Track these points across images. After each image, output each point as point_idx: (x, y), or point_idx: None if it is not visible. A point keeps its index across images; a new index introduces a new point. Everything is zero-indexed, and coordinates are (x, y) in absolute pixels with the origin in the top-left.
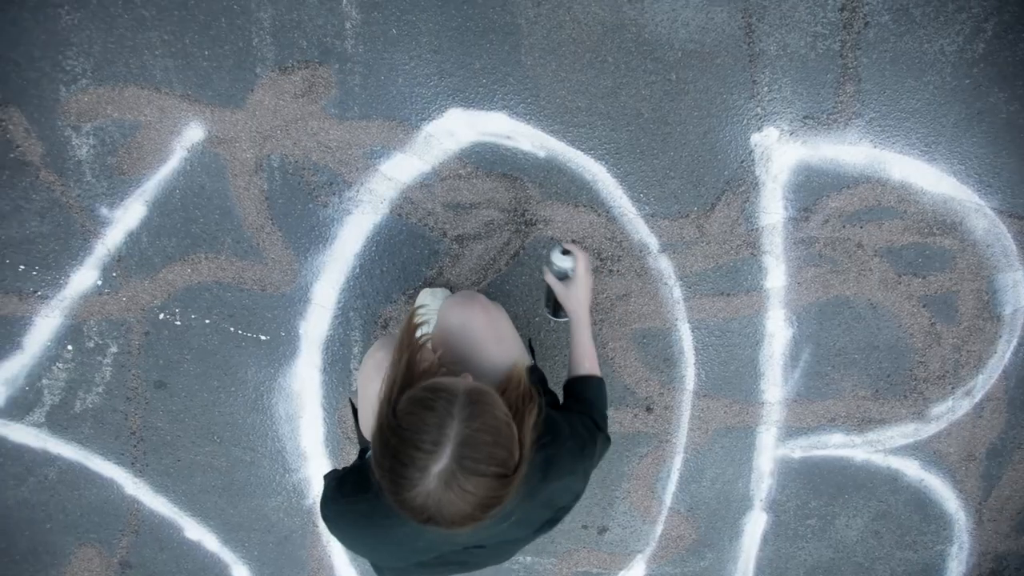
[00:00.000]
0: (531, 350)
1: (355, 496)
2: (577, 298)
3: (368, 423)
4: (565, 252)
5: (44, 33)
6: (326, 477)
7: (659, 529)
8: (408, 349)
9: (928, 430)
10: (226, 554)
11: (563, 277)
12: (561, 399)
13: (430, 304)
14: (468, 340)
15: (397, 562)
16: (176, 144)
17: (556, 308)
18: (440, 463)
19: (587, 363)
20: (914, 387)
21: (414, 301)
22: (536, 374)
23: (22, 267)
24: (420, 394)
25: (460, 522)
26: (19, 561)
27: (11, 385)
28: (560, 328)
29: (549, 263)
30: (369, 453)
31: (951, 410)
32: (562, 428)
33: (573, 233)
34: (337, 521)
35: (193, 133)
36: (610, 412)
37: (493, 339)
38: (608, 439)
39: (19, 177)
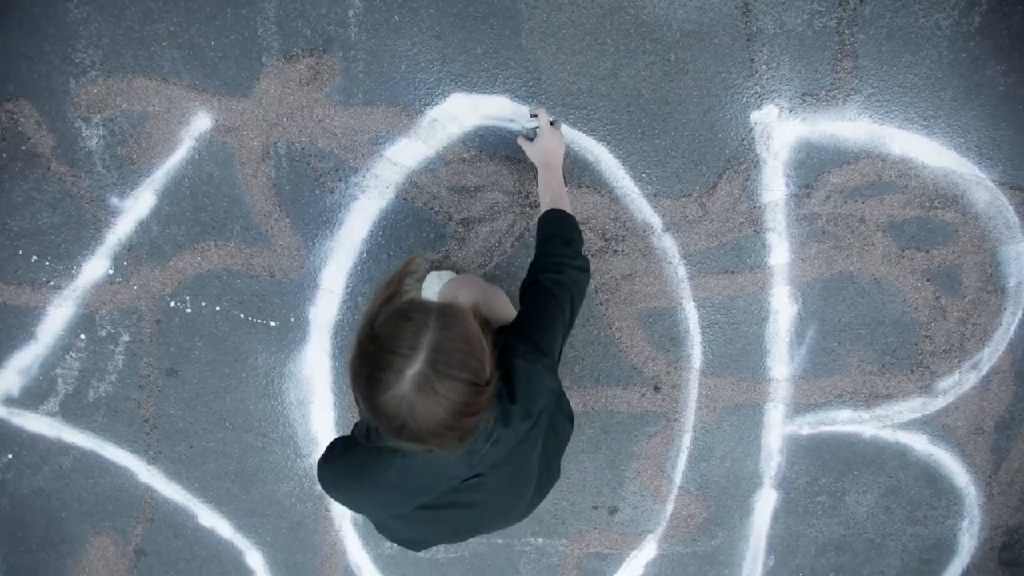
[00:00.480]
0: None
1: (345, 452)
2: (543, 149)
3: None
4: (533, 115)
5: (54, 27)
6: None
7: (669, 508)
8: (396, 286)
9: (936, 404)
10: (240, 540)
11: (532, 137)
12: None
13: (436, 288)
14: None
15: (397, 508)
16: (184, 133)
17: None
18: (414, 366)
19: (549, 200)
20: (920, 361)
21: (421, 284)
22: None
23: (35, 257)
24: (399, 307)
25: (434, 430)
26: (35, 550)
27: (25, 375)
28: None
29: (522, 134)
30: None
31: (958, 384)
32: (515, 346)
33: (577, 214)
34: (334, 481)
35: (201, 122)
36: (617, 391)
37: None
38: (581, 267)
39: (31, 169)
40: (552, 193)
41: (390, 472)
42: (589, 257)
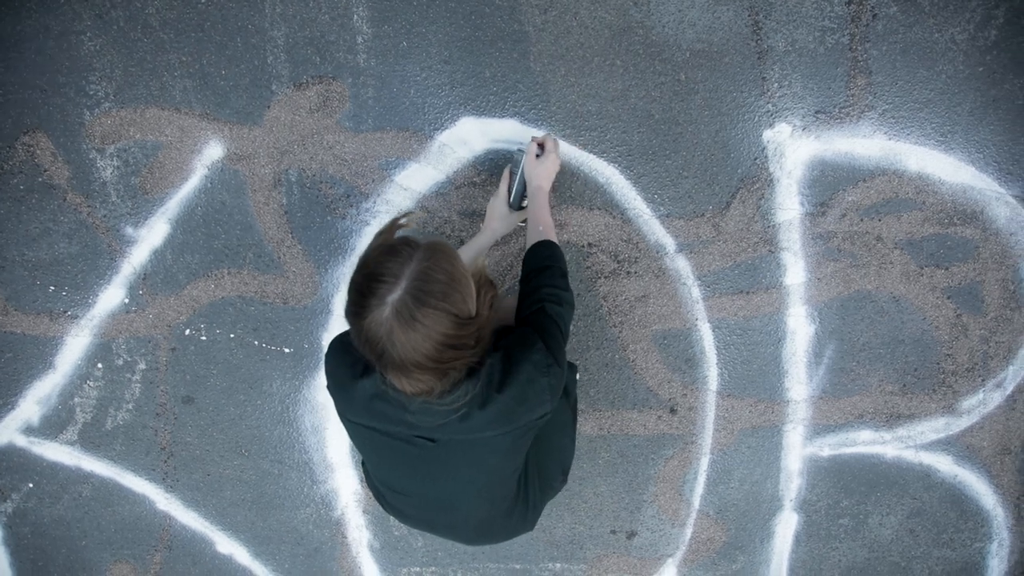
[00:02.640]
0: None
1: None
2: (546, 167)
3: None
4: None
5: (68, 59)
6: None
7: (688, 532)
8: (389, 233)
9: (960, 424)
10: (257, 567)
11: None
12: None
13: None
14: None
15: (356, 416)
16: (196, 162)
17: (519, 199)
18: (395, 292)
19: (542, 228)
20: (942, 380)
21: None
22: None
23: (52, 288)
24: (390, 242)
25: (411, 359)
26: None
27: (45, 404)
28: (580, 332)
29: (526, 148)
30: None
31: (982, 403)
32: (535, 344)
33: (589, 236)
34: (331, 354)
35: (213, 151)
36: (633, 414)
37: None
38: (572, 302)
39: (47, 200)
40: (543, 221)
41: (368, 381)
42: (601, 281)
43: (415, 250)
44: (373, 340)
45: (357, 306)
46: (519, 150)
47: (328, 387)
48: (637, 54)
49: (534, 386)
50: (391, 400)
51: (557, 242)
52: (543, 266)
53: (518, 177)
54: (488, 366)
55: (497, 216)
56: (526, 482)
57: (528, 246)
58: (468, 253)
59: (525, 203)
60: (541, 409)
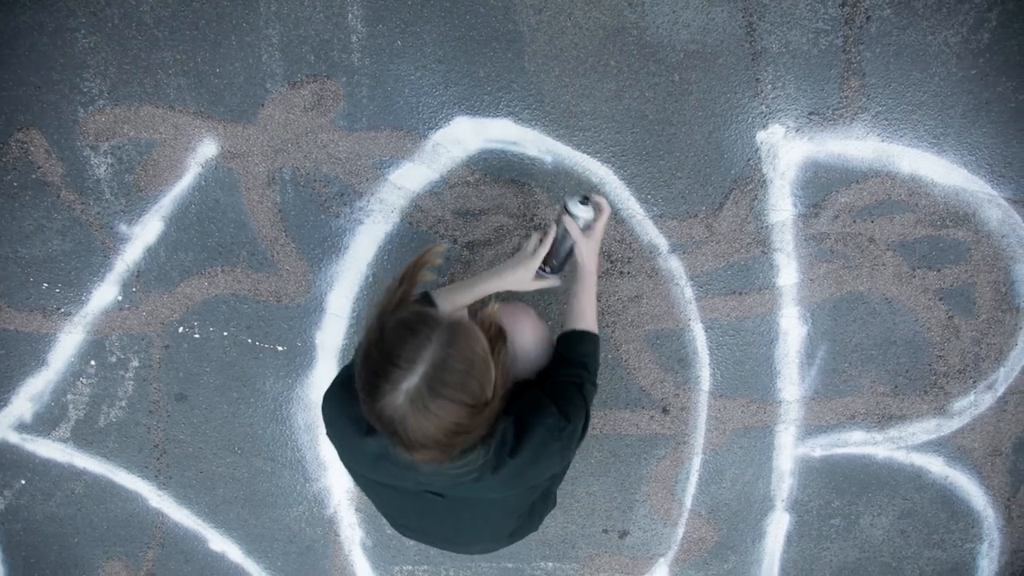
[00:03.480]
0: None
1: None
2: (592, 250)
3: None
4: (584, 201)
5: (62, 56)
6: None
7: (680, 532)
8: (409, 282)
9: (951, 425)
10: (250, 565)
11: (585, 228)
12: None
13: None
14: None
15: (362, 470)
16: (190, 160)
17: (562, 262)
18: (411, 380)
19: (588, 318)
20: (934, 382)
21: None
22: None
23: (45, 285)
24: (408, 317)
25: (421, 443)
26: (49, 575)
27: (37, 401)
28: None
29: (570, 214)
30: None
31: (974, 404)
32: (545, 405)
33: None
34: (333, 411)
35: (207, 149)
36: (626, 414)
37: (542, 353)
38: (595, 386)
39: (41, 197)
40: (591, 311)
41: (372, 441)
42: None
43: (434, 330)
44: (385, 423)
45: (371, 386)
46: (566, 209)
47: (328, 435)
48: (631, 55)
49: (547, 449)
50: (400, 462)
51: (598, 333)
52: (579, 362)
53: (566, 245)
54: (501, 431)
55: (521, 273)
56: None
57: (568, 327)
58: (470, 294)
59: (564, 272)
60: (552, 470)
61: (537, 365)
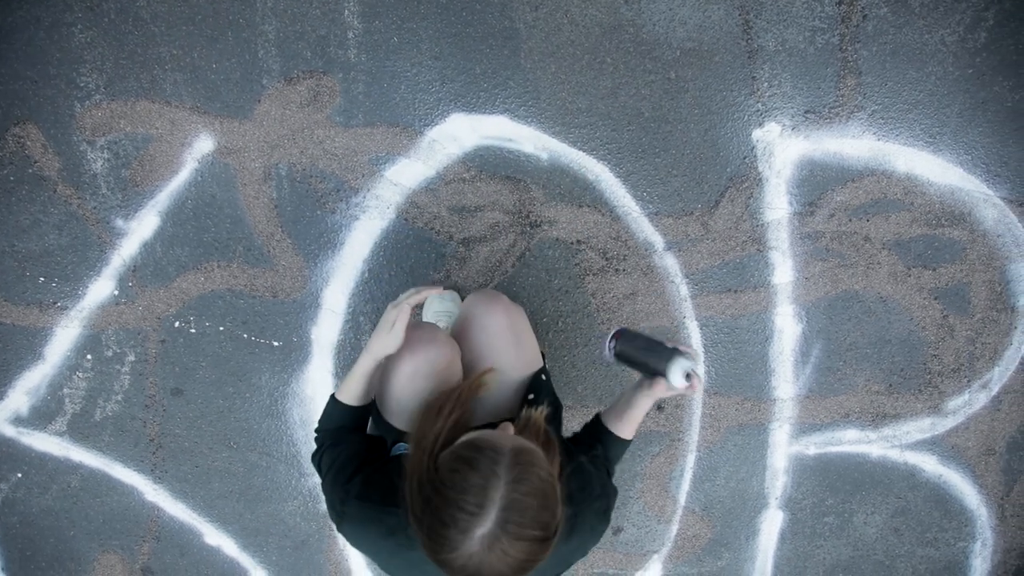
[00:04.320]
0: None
1: (381, 505)
2: (658, 396)
3: (395, 413)
4: (687, 377)
5: (59, 51)
6: (327, 444)
7: (674, 529)
8: (461, 409)
9: (945, 424)
10: (245, 559)
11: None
12: (581, 428)
13: (438, 307)
14: (489, 338)
15: (402, 574)
16: (187, 155)
17: (637, 365)
18: (484, 527)
19: (631, 428)
20: (929, 381)
21: (422, 306)
22: (547, 383)
23: (42, 279)
24: (464, 452)
25: None
26: (44, 568)
27: (34, 395)
28: (568, 328)
29: (668, 378)
30: (397, 449)
31: (968, 404)
32: (593, 486)
33: (577, 233)
34: (357, 524)
35: (203, 144)
36: None
37: (512, 341)
38: (616, 490)
39: (37, 192)
40: (635, 424)
41: (417, 554)
42: (590, 278)
43: (498, 464)
44: (458, 571)
45: (435, 534)
46: (679, 361)
47: (350, 542)
48: (627, 52)
49: (594, 534)
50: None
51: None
52: (623, 443)
53: (651, 366)
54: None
55: (387, 340)
56: None
57: (617, 427)
58: (356, 376)
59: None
60: (592, 546)
61: (526, 354)
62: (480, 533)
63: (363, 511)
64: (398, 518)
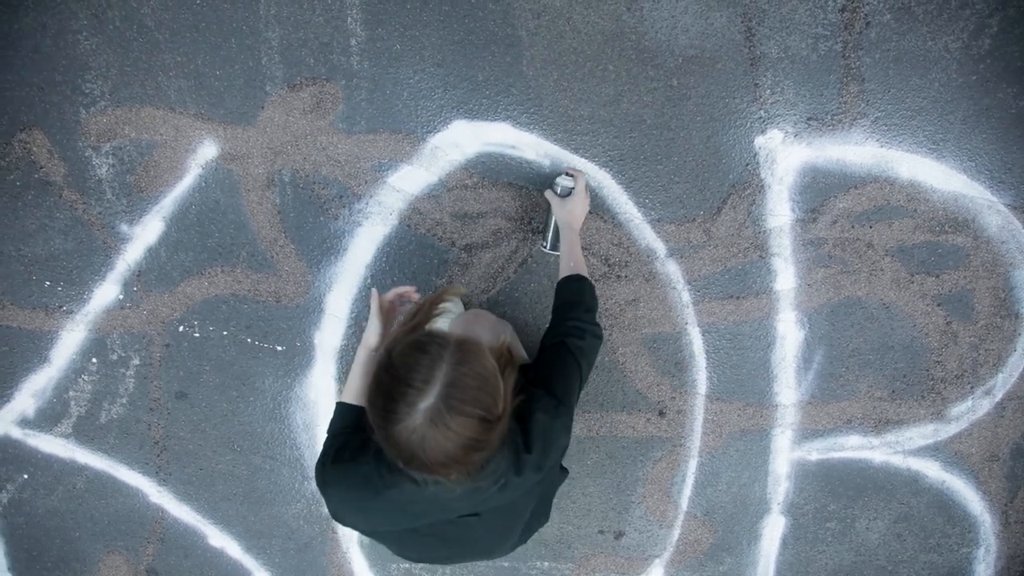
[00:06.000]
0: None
1: (355, 459)
2: (571, 212)
3: None
4: (569, 175)
5: (64, 58)
6: (327, 441)
7: (676, 533)
8: (424, 315)
9: (948, 430)
10: (249, 561)
11: (565, 195)
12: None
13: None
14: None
15: (390, 525)
16: (191, 161)
17: (555, 241)
18: (427, 400)
19: (572, 264)
20: (932, 387)
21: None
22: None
23: (48, 283)
24: (416, 338)
25: (442, 463)
26: (50, 568)
27: (40, 397)
28: None
29: (553, 184)
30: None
31: (971, 410)
32: (535, 394)
33: (581, 239)
34: (335, 484)
35: (207, 150)
36: (622, 416)
37: (493, 338)
38: (597, 335)
39: (43, 197)
40: (574, 258)
41: (393, 492)
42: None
43: (444, 349)
44: (403, 446)
45: (385, 410)
46: (551, 190)
47: (338, 516)
48: (630, 59)
49: (551, 431)
50: (428, 498)
51: (585, 272)
52: (571, 301)
53: (551, 219)
54: (509, 432)
55: (373, 339)
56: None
57: (559, 279)
58: (356, 374)
59: (559, 247)
60: (561, 447)
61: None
62: (424, 406)
63: (339, 471)
64: (370, 466)
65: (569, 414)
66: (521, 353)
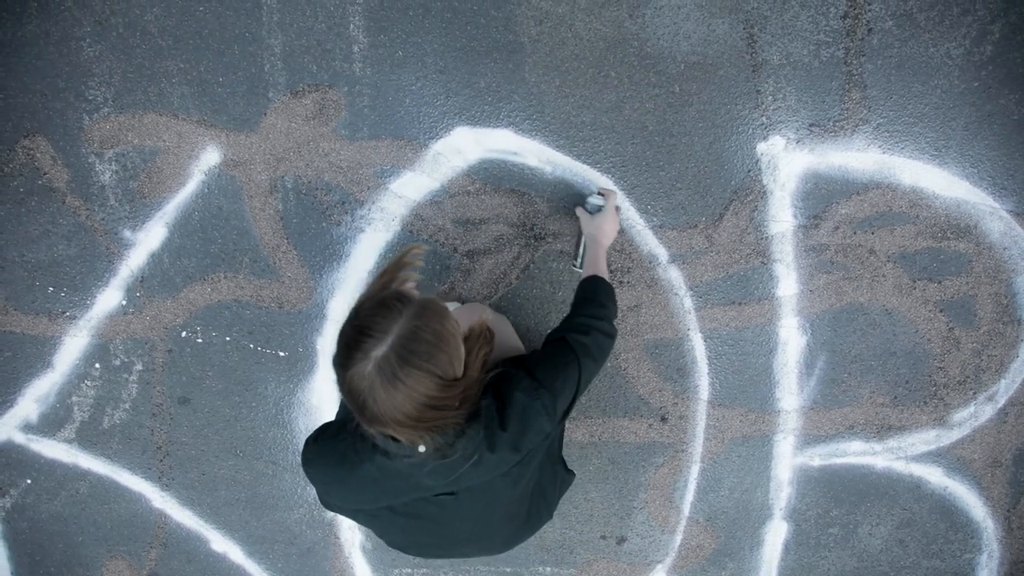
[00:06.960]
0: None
1: (334, 437)
2: (599, 227)
3: None
4: (600, 195)
5: (67, 65)
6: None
7: (678, 539)
8: (390, 275)
9: (950, 436)
10: (251, 566)
11: (592, 212)
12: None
13: None
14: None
15: (365, 503)
16: (194, 168)
17: (581, 253)
18: (380, 348)
19: (596, 270)
20: (934, 393)
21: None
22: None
23: (51, 289)
24: (383, 295)
25: (394, 417)
26: (53, 573)
27: (43, 402)
28: None
29: (584, 202)
30: None
31: (974, 416)
32: (516, 376)
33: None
34: (315, 461)
35: (210, 157)
36: (624, 422)
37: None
38: (607, 332)
39: (47, 203)
40: (598, 268)
41: (367, 465)
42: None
43: (406, 306)
44: (355, 392)
45: (343, 357)
46: (582, 207)
47: (323, 498)
48: (632, 66)
49: (530, 411)
50: (400, 473)
51: (606, 279)
52: (583, 298)
53: (583, 240)
54: (484, 407)
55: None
56: (537, 482)
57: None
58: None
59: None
60: (543, 430)
61: (500, 352)
62: (376, 354)
63: (319, 448)
64: (346, 442)
65: (552, 399)
66: (516, 344)
